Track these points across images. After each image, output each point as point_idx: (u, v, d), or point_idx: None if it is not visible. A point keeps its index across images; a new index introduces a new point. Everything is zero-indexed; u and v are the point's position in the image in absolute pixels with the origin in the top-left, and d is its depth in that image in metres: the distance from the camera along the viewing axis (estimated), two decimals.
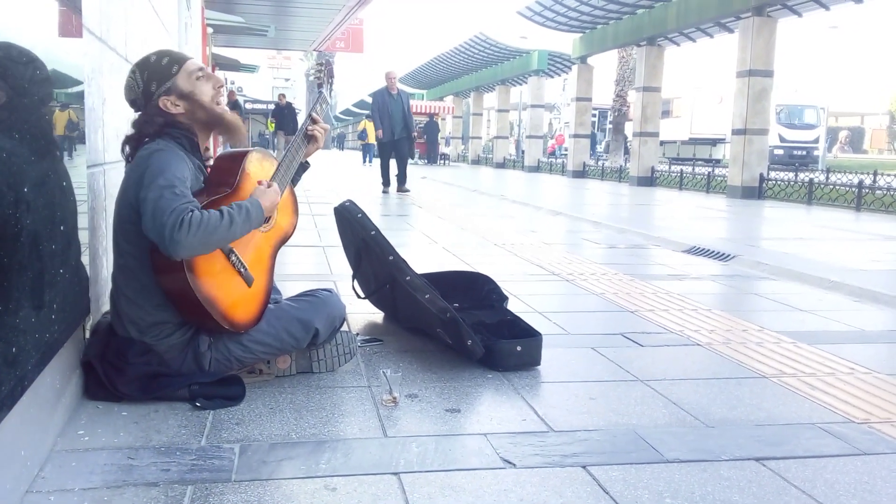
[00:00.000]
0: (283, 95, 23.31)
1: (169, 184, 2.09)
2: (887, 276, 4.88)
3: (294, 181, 2.58)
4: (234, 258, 2.24)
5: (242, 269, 2.28)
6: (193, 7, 9.23)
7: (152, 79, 2.29)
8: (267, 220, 2.31)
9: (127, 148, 2.32)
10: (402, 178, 11.83)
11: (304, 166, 2.66)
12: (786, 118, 26.65)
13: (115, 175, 2.45)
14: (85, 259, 2.24)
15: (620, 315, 3.70)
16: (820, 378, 2.73)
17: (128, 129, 2.36)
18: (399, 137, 11.81)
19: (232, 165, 2.35)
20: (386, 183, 11.87)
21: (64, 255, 1.96)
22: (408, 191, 11.72)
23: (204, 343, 2.31)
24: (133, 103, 2.33)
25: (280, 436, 2.06)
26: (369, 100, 54.95)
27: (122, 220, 2.24)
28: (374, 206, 8.96)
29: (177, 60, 2.34)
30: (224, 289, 2.22)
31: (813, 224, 8.55)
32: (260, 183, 2.33)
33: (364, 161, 26.36)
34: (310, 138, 2.59)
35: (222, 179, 2.31)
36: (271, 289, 2.46)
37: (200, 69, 2.36)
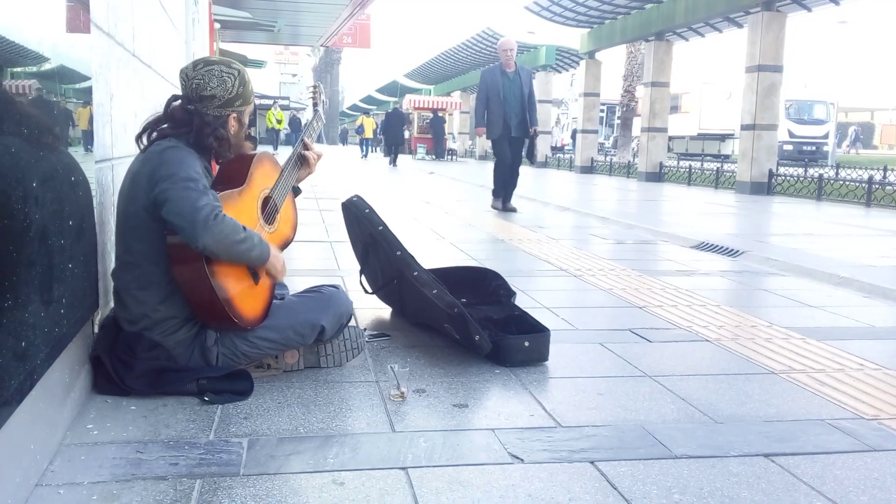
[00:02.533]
0: None
1: (191, 178, 2.14)
2: None
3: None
4: None
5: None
6: (201, 3, 9.24)
7: (240, 96, 2.34)
8: (265, 262, 2.32)
9: (150, 135, 2.32)
10: (508, 192, 8.59)
11: (295, 191, 2.68)
12: (795, 113, 26.49)
13: (122, 170, 2.45)
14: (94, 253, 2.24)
15: (628, 311, 3.69)
16: (829, 374, 2.72)
17: (162, 115, 2.34)
18: (516, 135, 8.37)
19: (242, 165, 2.39)
20: (497, 195, 8.63)
21: (73, 250, 1.96)
22: (514, 209, 8.41)
23: (211, 338, 2.32)
24: (210, 98, 2.29)
25: (288, 430, 2.06)
26: (378, 95, 55.29)
27: (129, 217, 2.25)
28: (379, 200, 8.96)
29: (253, 94, 2.43)
30: (234, 281, 2.25)
31: (822, 220, 8.51)
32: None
33: (363, 155, 27.50)
34: (302, 161, 2.62)
35: (233, 177, 2.34)
36: (274, 289, 2.49)
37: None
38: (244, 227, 2.18)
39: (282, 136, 28.28)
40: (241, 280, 2.27)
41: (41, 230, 1.69)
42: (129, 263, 2.26)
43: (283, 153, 21.69)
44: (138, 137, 2.35)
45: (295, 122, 31.54)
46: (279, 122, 27.69)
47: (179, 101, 2.34)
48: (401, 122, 23.65)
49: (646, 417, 2.25)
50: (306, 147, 2.63)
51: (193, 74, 2.29)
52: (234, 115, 2.35)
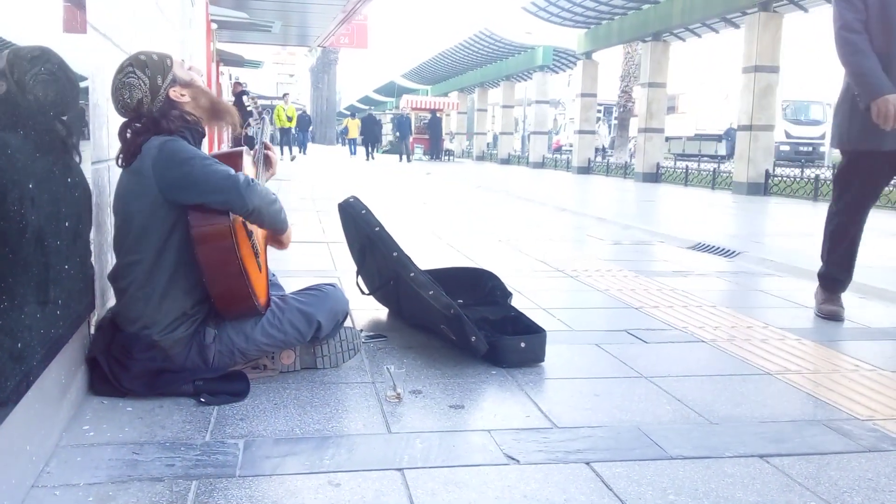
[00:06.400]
0: (239, 84, 18.24)
1: (205, 156, 2.20)
2: (893, 273, 4.86)
3: None
4: (253, 240, 2.37)
5: (257, 251, 2.40)
6: (197, 3, 9.23)
7: (156, 73, 2.29)
8: (287, 228, 2.47)
9: (126, 157, 2.29)
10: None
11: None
12: (792, 114, 26.56)
13: (119, 171, 2.45)
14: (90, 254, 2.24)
15: (625, 311, 3.70)
16: (824, 375, 2.72)
17: (126, 132, 2.32)
18: None
19: (233, 161, 2.40)
20: (829, 283, 3.69)
21: (69, 251, 1.96)
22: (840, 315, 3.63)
23: (209, 335, 2.32)
24: (139, 103, 2.26)
25: (284, 431, 2.06)
26: (375, 96, 55.34)
27: (133, 214, 2.24)
28: (376, 201, 8.95)
29: (165, 55, 2.37)
30: (251, 264, 2.32)
31: (819, 220, 8.49)
32: None
33: (350, 153, 28.83)
34: (267, 162, 2.72)
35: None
36: (269, 285, 2.54)
37: (184, 61, 2.40)
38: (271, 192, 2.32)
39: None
40: (254, 265, 2.36)
41: (37, 231, 1.69)
42: (131, 263, 2.26)
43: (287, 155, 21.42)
44: (117, 160, 2.34)
45: (304, 120, 27.07)
46: (290, 119, 22.24)
47: (131, 125, 2.31)
48: (374, 124, 27.16)
49: (641, 418, 2.25)
50: (267, 148, 2.70)
51: (115, 103, 2.31)
52: (171, 89, 2.30)
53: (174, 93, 2.31)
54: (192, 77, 2.39)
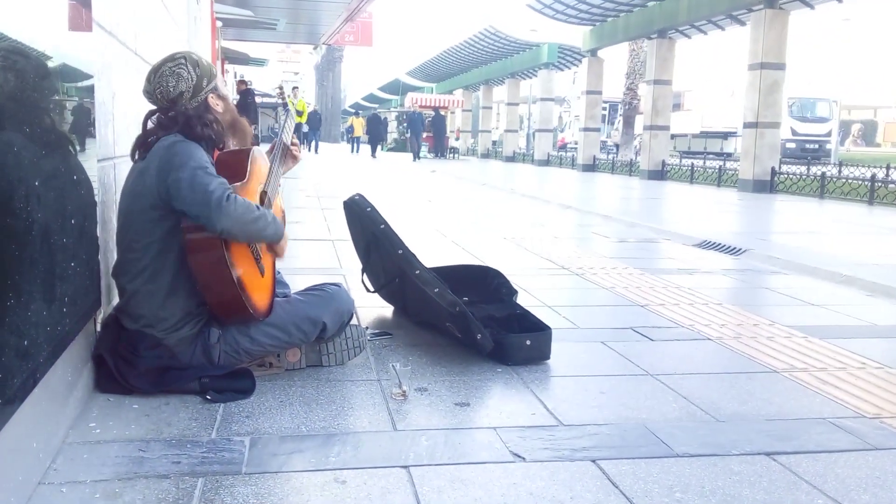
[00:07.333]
0: (244, 81, 18.16)
1: (201, 165, 2.19)
2: None
3: None
4: (253, 246, 2.36)
5: (258, 258, 2.38)
6: (202, 1, 9.23)
7: (204, 75, 2.36)
8: (279, 239, 2.43)
9: (140, 151, 2.31)
10: None
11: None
12: (798, 111, 26.41)
13: (125, 169, 2.46)
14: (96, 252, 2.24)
15: (630, 309, 3.69)
16: (831, 373, 2.71)
17: (152, 123, 2.34)
18: None
19: (239, 159, 2.41)
20: None
21: (75, 249, 1.97)
22: None
23: (214, 335, 2.32)
24: (180, 96, 2.30)
25: (290, 429, 2.06)
26: (380, 94, 55.05)
27: (134, 213, 2.25)
28: (381, 198, 8.94)
29: (211, 65, 2.44)
30: (247, 272, 2.30)
31: (825, 218, 8.49)
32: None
33: (352, 151, 28.95)
34: (287, 154, 2.68)
35: (232, 172, 2.34)
36: (275, 284, 2.53)
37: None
38: (257, 206, 2.25)
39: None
40: (252, 272, 2.33)
41: (43, 229, 1.69)
42: (132, 261, 2.27)
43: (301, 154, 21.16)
44: (132, 154, 2.35)
45: (314, 118, 26.54)
46: (300, 113, 21.11)
47: (157, 115, 2.34)
48: (379, 122, 27.76)
49: (647, 416, 2.25)
50: (292, 142, 2.70)
51: (153, 87, 2.32)
52: (211, 94, 2.37)
53: (212, 99, 2.37)
54: (227, 94, 2.46)
